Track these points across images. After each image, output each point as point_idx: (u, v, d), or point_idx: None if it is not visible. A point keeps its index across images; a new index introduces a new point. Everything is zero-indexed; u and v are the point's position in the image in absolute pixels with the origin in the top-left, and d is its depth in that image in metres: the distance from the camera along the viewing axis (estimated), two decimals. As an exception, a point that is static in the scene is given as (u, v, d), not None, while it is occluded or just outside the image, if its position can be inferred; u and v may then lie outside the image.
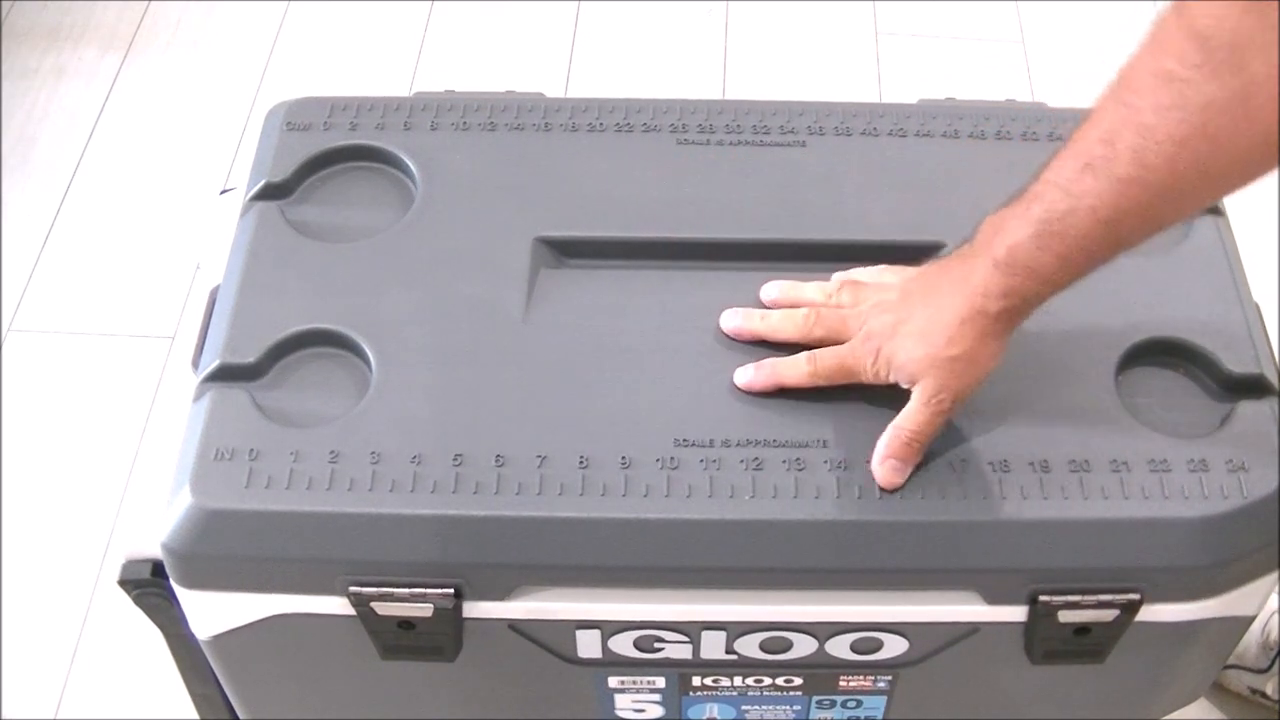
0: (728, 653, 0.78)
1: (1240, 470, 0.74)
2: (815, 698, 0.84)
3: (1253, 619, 0.80)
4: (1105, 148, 0.64)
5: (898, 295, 0.75)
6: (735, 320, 0.79)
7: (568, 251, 0.84)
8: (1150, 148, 0.62)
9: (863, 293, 0.78)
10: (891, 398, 0.75)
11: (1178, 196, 0.65)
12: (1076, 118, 0.67)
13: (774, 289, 0.81)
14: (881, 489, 0.73)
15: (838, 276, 0.80)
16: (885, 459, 0.73)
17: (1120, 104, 0.63)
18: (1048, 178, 0.67)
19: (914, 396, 0.73)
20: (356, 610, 0.74)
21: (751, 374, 0.77)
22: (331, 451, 0.74)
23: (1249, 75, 0.58)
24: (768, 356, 0.78)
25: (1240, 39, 0.57)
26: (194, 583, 0.75)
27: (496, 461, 0.73)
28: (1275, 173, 0.62)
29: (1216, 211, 0.86)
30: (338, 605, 0.74)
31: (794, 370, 0.76)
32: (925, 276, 0.74)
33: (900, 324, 0.73)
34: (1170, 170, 0.62)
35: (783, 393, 0.77)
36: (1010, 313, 0.70)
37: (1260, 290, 0.85)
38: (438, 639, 0.76)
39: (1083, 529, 0.73)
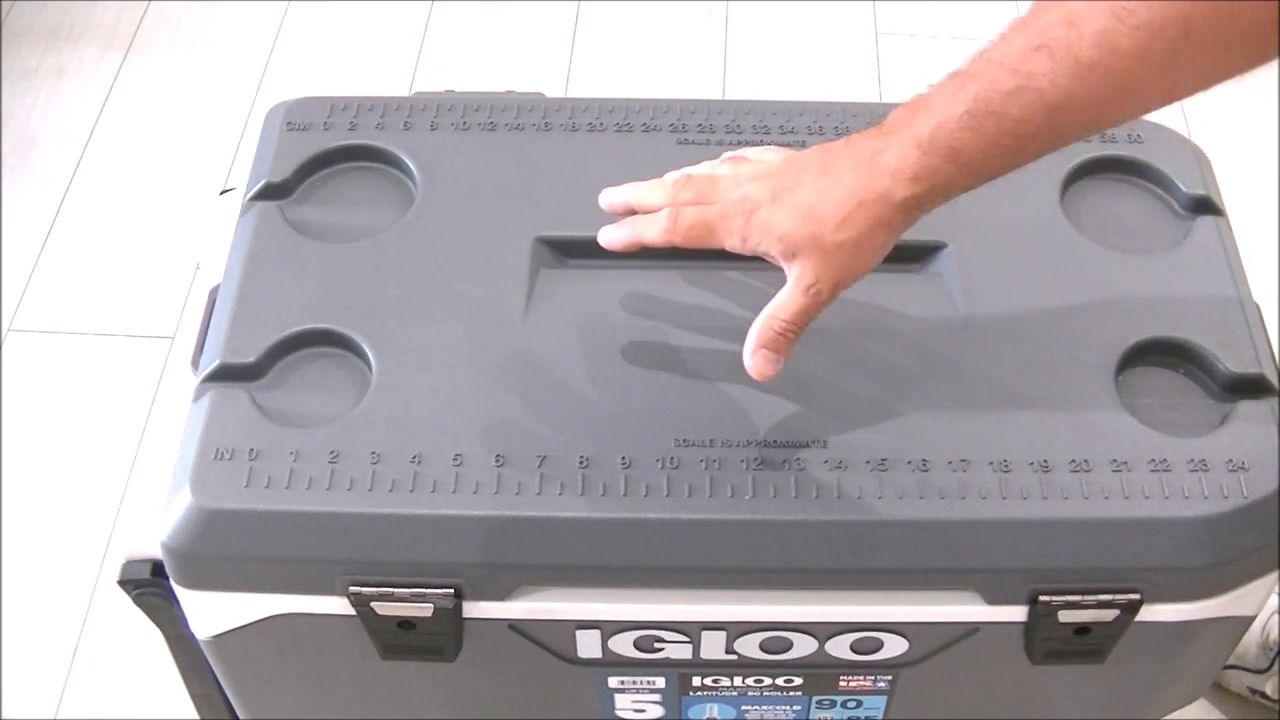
0: (728, 653, 0.78)
1: (1240, 470, 0.74)
2: (815, 698, 0.84)
3: (1253, 619, 0.80)
4: (1068, 29, 0.60)
5: (783, 163, 0.71)
6: (606, 195, 0.76)
7: (568, 251, 0.84)
8: (1123, 32, 0.59)
9: (741, 165, 0.74)
10: (887, 396, 0.75)
11: (1134, 90, 0.62)
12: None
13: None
14: (754, 380, 0.71)
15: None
16: (758, 349, 0.70)
17: None
18: (989, 56, 0.63)
19: (789, 283, 0.69)
20: (356, 610, 0.74)
21: (613, 233, 0.73)
22: (331, 451, 0.74)
23: None
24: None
25: None
26: (194, 583, 0.75)
27: (496, 461, 0.73)
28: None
29: (1216, 211, 0.86)
30: (338, 605, 0.74)
31: (653, 227, 0.71)
32: (820, 150, 0.69)
33: (784, 191, 0.68)
34: (1138, 58, 0.59)
35: (780, 390, 0.77)
36: (916, 201, 0.66)
37: (1260, 290, 0.85)
38: (438, 639, 0.76)
39: (1083, 529, 0.73)
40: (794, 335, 0.69)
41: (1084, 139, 0.64)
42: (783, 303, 0.70)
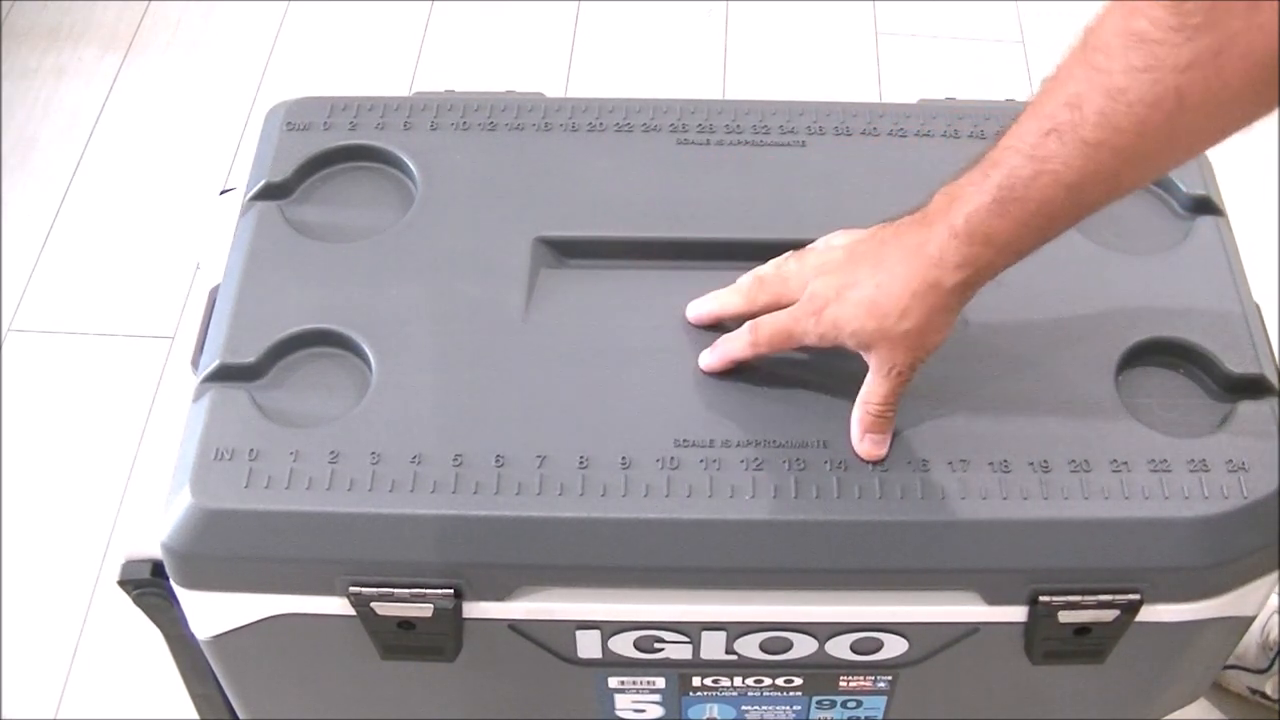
0: (728, 653, 0.78)
1: (1240, 470, 0.74)
2: (815, 698, 0.84)
3: (1253, 619, 0.80)
4: (1072, 111, 0.63)
5: (844, 256, 0.74)
6: (694, 308, 0.80)
7: (568, 251, 0.84)
8: (1120, 110, 0.61)
9: (807, 257, 0.77)
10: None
11: (1144, 160, 0.64)
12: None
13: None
14: (869, 462, 0.73)
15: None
16: (864, 435, 0.74)
17: (1088, 66, 0.62)
18: (1007, 143, 0.66)
19: (871, 370, 0.73)
20: (356, 610, 0.74)
21: (708, 358, 0.77)
22: (331, 451, 0.74)
23: (1224, 34, 0.57)
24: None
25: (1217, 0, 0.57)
26: (194, 583, 0.75)
27: (496, 461, 0.73)
28: (1240, 137, 0.62)
29: (1216, 211, 0.86)
30: (338, 605, 0.74)
31: (739, 342, 0.76)
32: (875, 240, 0.73)
33: (846, 288, 0.72)
34: (1139, 133, 0.61)
35: (780, 390, 0.77)
36: (965, 285, 0.69)
37: (1260, 290, 0.85)
38: (438, 639, 0.76)
39: (1083, 529, 0.73)
40: (890, 414, 0.73)
41: (1111, 204, 0.66)
42: (871, 389, 0.73)
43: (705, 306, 0.80)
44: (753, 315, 0.77)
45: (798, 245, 0.83)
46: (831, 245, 0.77)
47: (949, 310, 0.70)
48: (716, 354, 0.77)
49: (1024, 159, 0.65)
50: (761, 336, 0.76)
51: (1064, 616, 0.74)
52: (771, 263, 0.79)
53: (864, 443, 0.74)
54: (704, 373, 0.78)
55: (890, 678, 0.81)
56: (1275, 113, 0.60)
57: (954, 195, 0.68)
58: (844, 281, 0.72)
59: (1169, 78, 0.59)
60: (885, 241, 0.72)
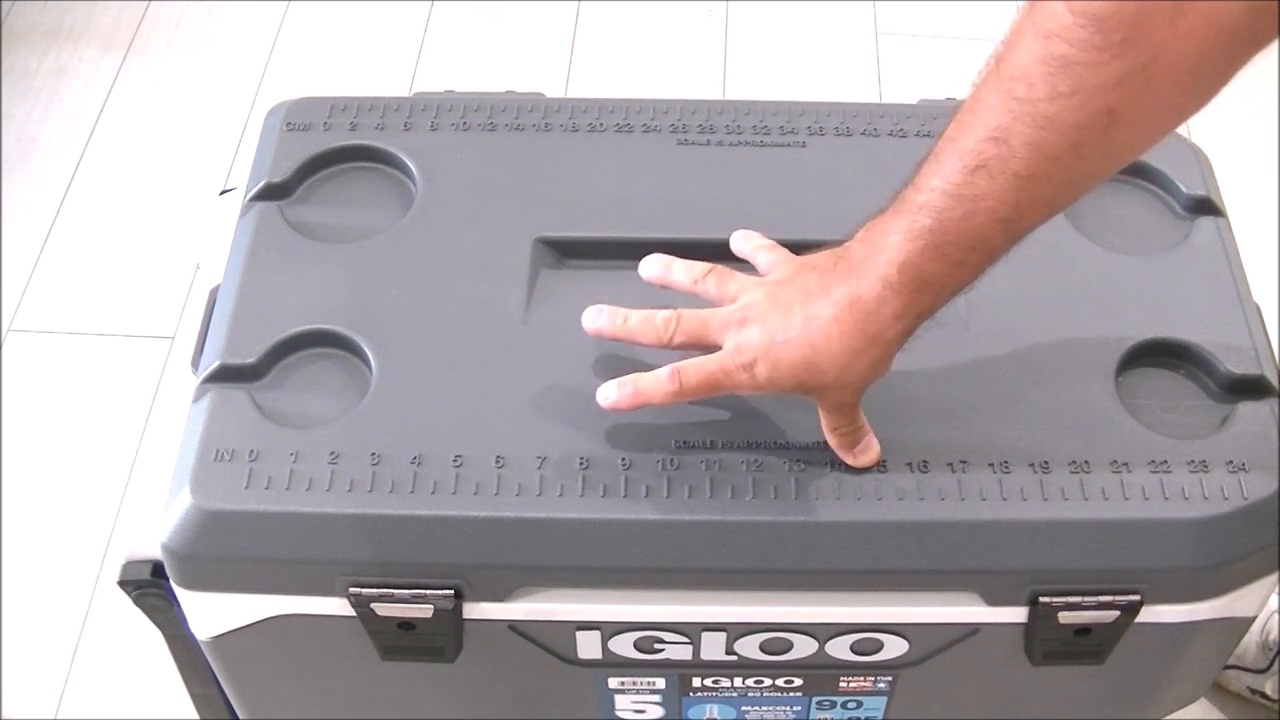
0: (728, 654, 0.78)
1: (1240, 471, 0.74)
2: (815, 698, 0.84)
3: (1252, 620, 0.80)
4: (998, 146, 0.61)
5: (766, 304, 0.70)
6: (594, 320, 0.75)
7: (568, 252, 0.84)
8: (1051, 138, 0.59)
9: (729, 286, 0.73)
10: (887, 397, 0.75)
11: (1081, 179, 0.63)
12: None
13: (653, 264, 0.76)
14: (868, 468, 0.73)
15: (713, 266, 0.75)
16: (846, 455, 0.73)
17: (1009, 97, 0.60)
18: (931, 184, 0.63)
19: (819, 407, 0.72)
20: (356, 611, 0.74)
21: (614, 393, 0.71)
22: (331, 452, 0.74)
23: (1150, 46, 0.56)
24: None
25: (1139, 13, 0.56)
26: (194, 583, 0.75)
27: (496, 462, 0.73)
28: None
29: (1216, 211, 0.86)
30: (338, 606, 0.74)
31: (658, 389, 0.71)
32: (800, 290, 0.69)
33: (776, 346, 0.68)
34: (1075, 156, 0.60)
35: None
36: (904, 333, 0.68)
37: (1260, 290, 0.85)
38: (438, 640, 0.76)
39: (1083, 529, 0.72)
40: (860, 425, 0.73)
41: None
42: (827, 418, 0.73)
43: (609, 327, 0.74)
44: (665, 348, 0.73)
45: (797, 245, 0.83)
46: (749, 287, 0.73)
47: (890, 357, 0.69)
48: (627, 393, 0.71)
49: (953, 200, 0.63)
50: (688, 386, 0.70)
51: (1064, 617, 0.74)
52: (686, 273, 0.75)
53: (850, 457, 0.73)
54: (607, 410, 0.72)
55: (890, 678, 0.81)
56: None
57: (880, 244, 0.65)
58: (772, 338, 0.69)
59: (1098, 98, 0.58)
60: (811, 294, 0.68)
